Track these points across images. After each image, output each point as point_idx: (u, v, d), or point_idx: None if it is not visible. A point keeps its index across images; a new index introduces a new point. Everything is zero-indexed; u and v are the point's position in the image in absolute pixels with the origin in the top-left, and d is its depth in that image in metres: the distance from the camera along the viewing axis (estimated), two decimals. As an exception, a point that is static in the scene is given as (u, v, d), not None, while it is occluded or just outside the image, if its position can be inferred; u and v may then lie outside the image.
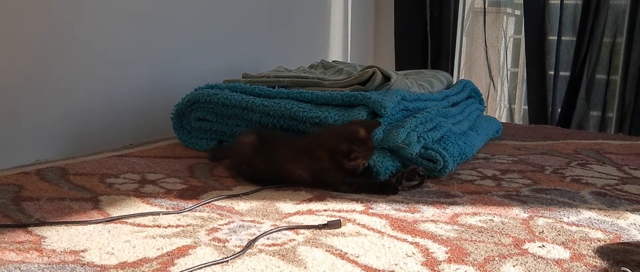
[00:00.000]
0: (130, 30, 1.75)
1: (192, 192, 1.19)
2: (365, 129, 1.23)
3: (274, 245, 0.91)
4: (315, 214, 1.07)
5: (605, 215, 1.10)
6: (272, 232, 0.96)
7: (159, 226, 0.99)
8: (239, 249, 0.88)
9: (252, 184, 1.25)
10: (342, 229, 0.99)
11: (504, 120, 2.80)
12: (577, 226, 1.04)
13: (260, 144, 1.29)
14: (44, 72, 1.53)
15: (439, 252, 0.90)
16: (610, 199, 1.21)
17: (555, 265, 0.86)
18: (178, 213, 1.06)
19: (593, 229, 1.02)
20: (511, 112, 2.84)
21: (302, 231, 0.98)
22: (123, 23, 1.72)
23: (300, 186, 1.24)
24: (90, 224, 0.99)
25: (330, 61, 2.04)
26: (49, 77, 1.55)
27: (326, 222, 0.99)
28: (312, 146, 1.24)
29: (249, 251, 0.88)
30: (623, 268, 0.83)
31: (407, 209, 1.12)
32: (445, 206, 1.14)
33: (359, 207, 1.12)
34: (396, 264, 0.85)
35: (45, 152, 1.50)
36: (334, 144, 1.21)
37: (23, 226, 0.96)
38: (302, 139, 1.31)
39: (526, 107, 2.69)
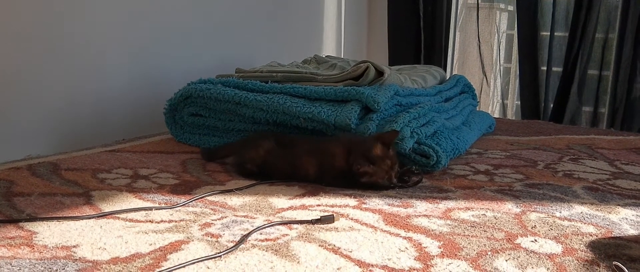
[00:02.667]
0: (123, 24, 1.74)
1: (185, 188, 1.19)
2: (381, 145, 1.19)
3: (267, 240, 0.91)
4: (309, 209, 1.07)
5: (597, 210, 1.11)
6: (265, 227, 0.96)
7: (151, 221, 0.98)
8: (232, 244, 0.88)
9: (249, 180, 1.25)
10: (336, 224, 0.99)
11: (496, 115, 2.81)
12: (569, 220, 1.04)
13: (276, 145, 1.29)
14: (35, 66, 1.52)
15: (432, 246, 0.90)
16: (602, 193, 1.22)
17: (547, 259, 0.86)
18: (171, 208, 1.05)
19: (585, 223, 1.03)
20: (504, 107, 2.85)
21: (295, 226, 0.98)
22: (115, 18, 1.71)
23: (306, 182, 1.23)
24: (82, 219, 0.98)
25: (324, 56, 2.04)
26: (41, 71, 1.54)
27: (319, 217, 0.99)
28: (330, 149, 1.23)
29: (242, 246, 0.88)
30: (614, 263, 0.83)
31: (400, 204, 1.12)
32: (438, 200, 1.14)
33: (352, 202, 1.12)
34: (389, 259, 0.85)
35: (37, 148, 1.49)
36: (350, 158, 1.19)
37: (14, 221, 0.96)
38: (321, 140, 1.31)
39: (519, 102, 2.70)
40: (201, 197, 1.12)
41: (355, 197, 1.15)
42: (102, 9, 1.67)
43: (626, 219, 1.06)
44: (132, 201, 1.09)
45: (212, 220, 1.00)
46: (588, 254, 0.89)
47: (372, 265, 0.83)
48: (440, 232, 0.96)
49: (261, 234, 0.93)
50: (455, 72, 2.87)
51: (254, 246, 0.88)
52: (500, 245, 0.92)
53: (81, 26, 1.62)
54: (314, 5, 2.58)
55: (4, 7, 1.43)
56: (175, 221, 0.99)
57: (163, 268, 0.80)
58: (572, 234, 0.97)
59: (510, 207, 1.11)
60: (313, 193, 1.17)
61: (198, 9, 1.98)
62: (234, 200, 1.12)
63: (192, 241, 0.90)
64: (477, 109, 2.02)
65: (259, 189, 1.20)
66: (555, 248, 0.91)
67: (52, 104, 1.58)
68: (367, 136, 1.31)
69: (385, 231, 0.96)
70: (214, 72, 1.75)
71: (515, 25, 2.65)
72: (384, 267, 0.82)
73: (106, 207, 1.05)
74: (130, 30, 1.76)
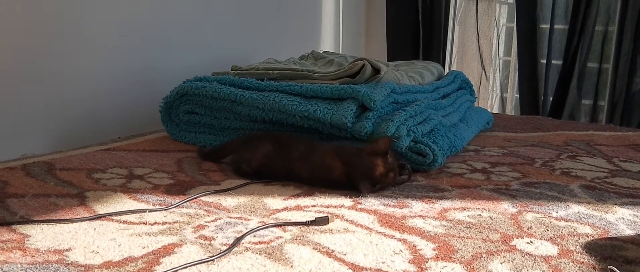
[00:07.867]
0: (118, 22, 1.72)
1: (179, 188, 1.18)
2: (381, 157, 1.17)
3: (260, 243, 0.90)
4: (304, 210, 1.06)
5: (594, 209, 1.10)
6: (258, 230, 0.95)
7: (145, 223, 0.98)
8: (225, 248, 0.88)
9: (245, 179, 1.24)
10: (330, 225, 0.98)
11: (496, 109, 2.80)
12: (566, 220, 1.03)
13: (273, 147, 1.27)
14: (30, 65, 1.51)
15: (427, 249, 0.90)
16: (599, 192, 1.21)
17: (543, 262, 0.86)
18: (165, 210, 1.05)
19: (581, 224, 1.02)
20: (503, 100, 2.83)
21: (289, 227, 0.97)
22: (110, 15, 1.70)
23: (300, 183, 1.22)
24: (75, 222, 0.97)
25: (321, 52, 2.02)
26: (36, 70, 1.53)
27: (314, 219, 0.99)
28: (327, 162, 1.21)
29: (235, 249, 0.88)
30: (610, 267, 0.83)
31: (396, 204, 1.11)
32: (434, 200, 1.14)
33: (347, 202, 1.11)
34: (383, 262, 0.84)
35: (32, 146, 1.49)
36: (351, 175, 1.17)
37: (6, 224, 0.95)
38: (318, 147, 1.27)
39: (518, 95, 2.69)
40: (195, 198, 1.12)
41: (350, 197, 1.14)
42: (97, 8, 1.65)
43: (623, 218, 1.05)
44: (127, 202, 1.08)
45: (206, 222, 0.99)
46: (584, 256, 0.88)
47: (366, 268, 0.82)
48: (435, 234, 0.96)
49: (255, 236, 0.93)
50: (454, 66, 2.85)
51: (247, 249, 0.88)
52: (496, 247, 0.91)
53: (76, 25, 1.61)
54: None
55: (-3, 5, 1.42)
56: (169, 223, 0.98)
57: (155, 273, 0.79)
58: (568, 235, 0.97)
59: (506, 207, 1.10)
60: (308, 193, 1.16)
61: (194, 5, 1.96)
62: (229, 200, 1.11)
63: (185, 243, 0.89)
64: (476, 103, 2.01)
65: (253, 189, 1.19)
66: (551, 250, 0.90)
67: (48, 102, 1.57)
68: (361, 148, 1.24)
69: (380, 232, 0.96)
70: (210, 70, 1.74)
71: (515, 18, 2.63)
72: (377, 270, 0.82)
73: (100, 209, 1.04)
74: (125, 28, 1.75)
